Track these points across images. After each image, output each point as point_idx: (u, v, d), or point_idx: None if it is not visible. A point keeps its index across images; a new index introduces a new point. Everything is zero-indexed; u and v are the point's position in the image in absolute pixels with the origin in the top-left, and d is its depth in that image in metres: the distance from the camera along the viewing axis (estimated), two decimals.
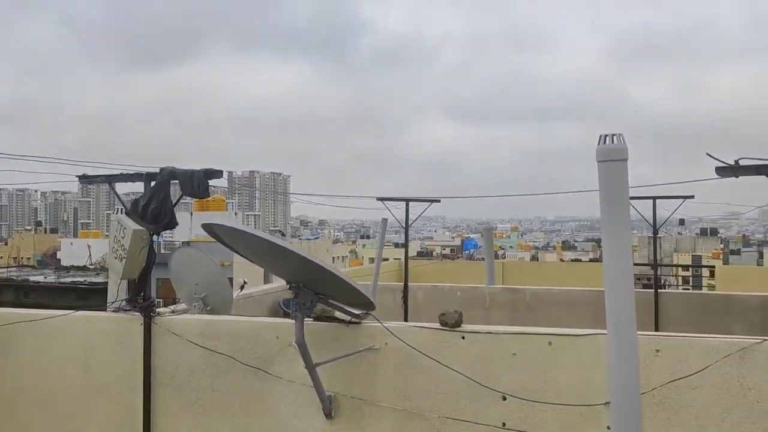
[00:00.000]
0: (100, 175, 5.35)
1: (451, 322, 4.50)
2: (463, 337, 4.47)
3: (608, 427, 3.66)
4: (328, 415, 4.56)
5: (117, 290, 5.10)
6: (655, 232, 10.38)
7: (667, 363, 4.06)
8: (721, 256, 65.43)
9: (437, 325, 4.55)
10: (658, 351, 4.07)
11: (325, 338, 4.68)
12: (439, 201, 11.57)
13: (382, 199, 10.53)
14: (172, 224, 4.98)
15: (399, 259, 14.45)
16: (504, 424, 4.31)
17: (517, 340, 4.40)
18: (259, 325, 5.05)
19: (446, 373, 4.42)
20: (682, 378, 3.99)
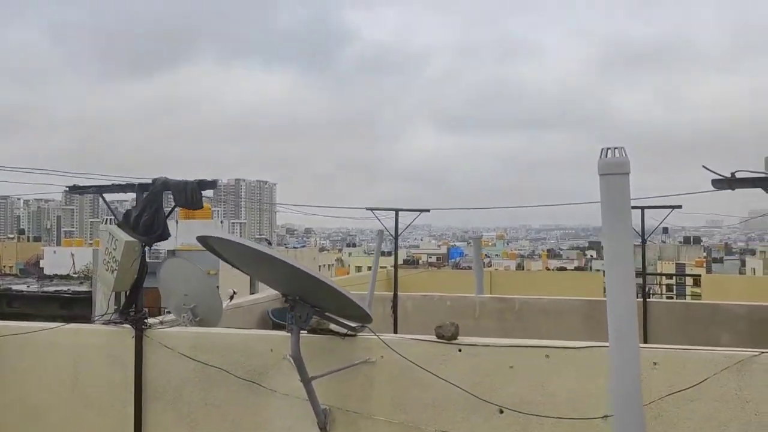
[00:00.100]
0: (91, 186, 5.27)
1: (448, 335, 4.47)
2: (459, 350, 4.44)
3: None
4: (323, 429, 4.50)
5: (108, 302, 5.02)
6: (644, 241, 10.43)
7: (664, 376, 4.05)
8: (704, 265, 65.99)
9: (433, 337, 4.52)
10: (655, 363, 4.06)
11: (320, 351, 4.63)
12: (428, 211, 11.57)
13: (371, 209, 10.52)
14: (164, 235, 4.91)
15: (385, 267, 14.38)
16: None
17: (514, 353, 4.38)
18: (252, 338, 4.99)
19: (443, 386, 4.39)
20: (680, 391, 3.99)
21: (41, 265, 55.98)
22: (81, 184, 5.40)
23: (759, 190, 4.09)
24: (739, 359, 3.96)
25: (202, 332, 5.13)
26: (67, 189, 5.38)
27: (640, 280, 10.55)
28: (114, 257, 4.88)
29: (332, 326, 4.57)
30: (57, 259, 55.22)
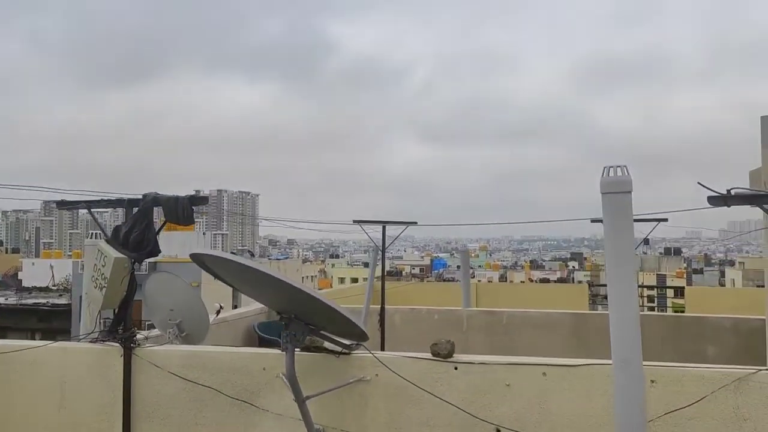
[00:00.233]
0: (80, 202, 5.16)
1: (444, 353, 4.42)
2: (455, 368, 4.39)
3: None
4: None
5: (96, 320, 4.91)
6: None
7: (662, 394, 4.03)
8: (684, 276, 66.61)
9: (429, 355, 4.47)
10: (653, 381, 4.04)
11: (313, 369, 4.56)
12: (416, 224, 11.53)
13: (358, 222, 10.47)
14: (155, 252, 4.82)
15: (366, 279, 14.31)
16: None
17: (510, 371, 4.34)
18: (244, 356, 4.90)
19: (439, 405, 4.33)
20: (679, 409, 3.96)
21: (20, 277, 55.21)
22: (58, 199, 5.26)
23: None
24: (737, 377, 3.95)
25: (192, 350, 5.03)
26: (55, 204, 5.27)
27: None
28: (103, 274, 4.78)
29: (326, 344, 4.51)
30: (36, 271, 54.53)
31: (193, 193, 4.91)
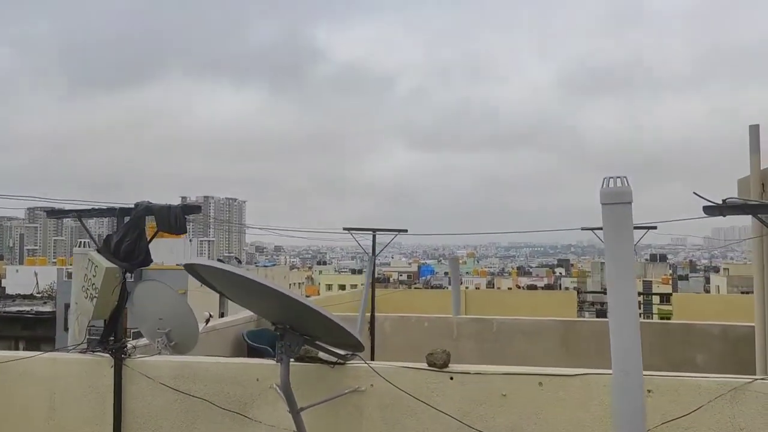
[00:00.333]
0: (71, 210, 5.09)
1: (440, 363, 4.39)
2: (451, 378, 4.37)
3: None
4: None
5: (86, 330, 4.84)
6: None
7: (658, 403, 4.02)
8: (670, 282, 67.05)
9: (424, 365, 4.44)
10: (650, 391, 4.03)
11: (307, 380, 4.51)
12: (406, 231, 11.51)
13: (349, 230, 10.44)
14: (147, 262, 4.76)
15: (356, 285, 14.32)
16: None
17: (507, 381, 4.32)
18: (237, 367, 4.84)
19: (435, 415, 4.30)
20: (675, 419, 3.96)
21: (3, 285, 54.62)
22: (46, 207, 5.19)
23: None
24: (733, 386, 3.96)
25: (184, 361, 4.96)
26: (45, 213, 5.19)
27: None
28: (93, 284, 4.71)
29: (321, 354, 4.47)
30: (20, 278, 53.93)
31: (179, 200, 4.87)
